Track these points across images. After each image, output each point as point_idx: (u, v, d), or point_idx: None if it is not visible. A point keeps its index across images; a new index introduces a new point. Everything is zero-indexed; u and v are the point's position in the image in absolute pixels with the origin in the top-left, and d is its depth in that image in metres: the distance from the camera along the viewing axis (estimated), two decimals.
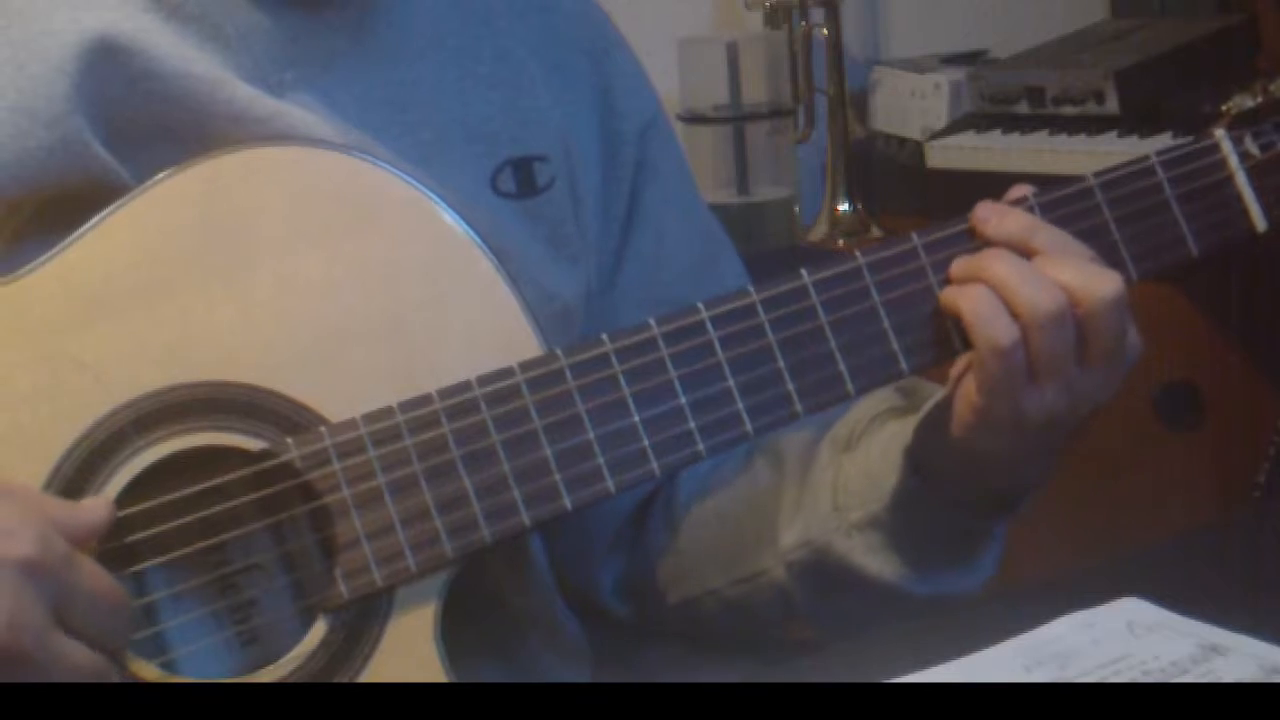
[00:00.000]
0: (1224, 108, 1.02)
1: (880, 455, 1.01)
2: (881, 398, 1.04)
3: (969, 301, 0.93)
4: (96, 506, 0.86)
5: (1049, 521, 2.10)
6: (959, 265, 0.95)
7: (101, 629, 0.83)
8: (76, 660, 0.81)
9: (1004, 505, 1.01)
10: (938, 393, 1.00)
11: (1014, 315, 0.91)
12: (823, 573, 1.04)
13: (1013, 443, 0.95)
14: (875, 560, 1.01)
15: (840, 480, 1.03)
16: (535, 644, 1.05)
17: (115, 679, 0.84)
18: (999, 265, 0.93)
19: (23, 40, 0.93)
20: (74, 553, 0.82)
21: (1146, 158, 0.98)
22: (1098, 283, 0.92)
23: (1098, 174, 0.97)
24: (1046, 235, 0.94)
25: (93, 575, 0.83)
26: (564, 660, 1.07)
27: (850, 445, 1.04)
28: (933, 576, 1.02)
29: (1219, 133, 1.00)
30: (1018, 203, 0.96)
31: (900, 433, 1.01)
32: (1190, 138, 1.01)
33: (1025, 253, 0.93)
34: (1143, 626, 0.79)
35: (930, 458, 0.99)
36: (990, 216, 0.95)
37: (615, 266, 1.11)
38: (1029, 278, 0.92)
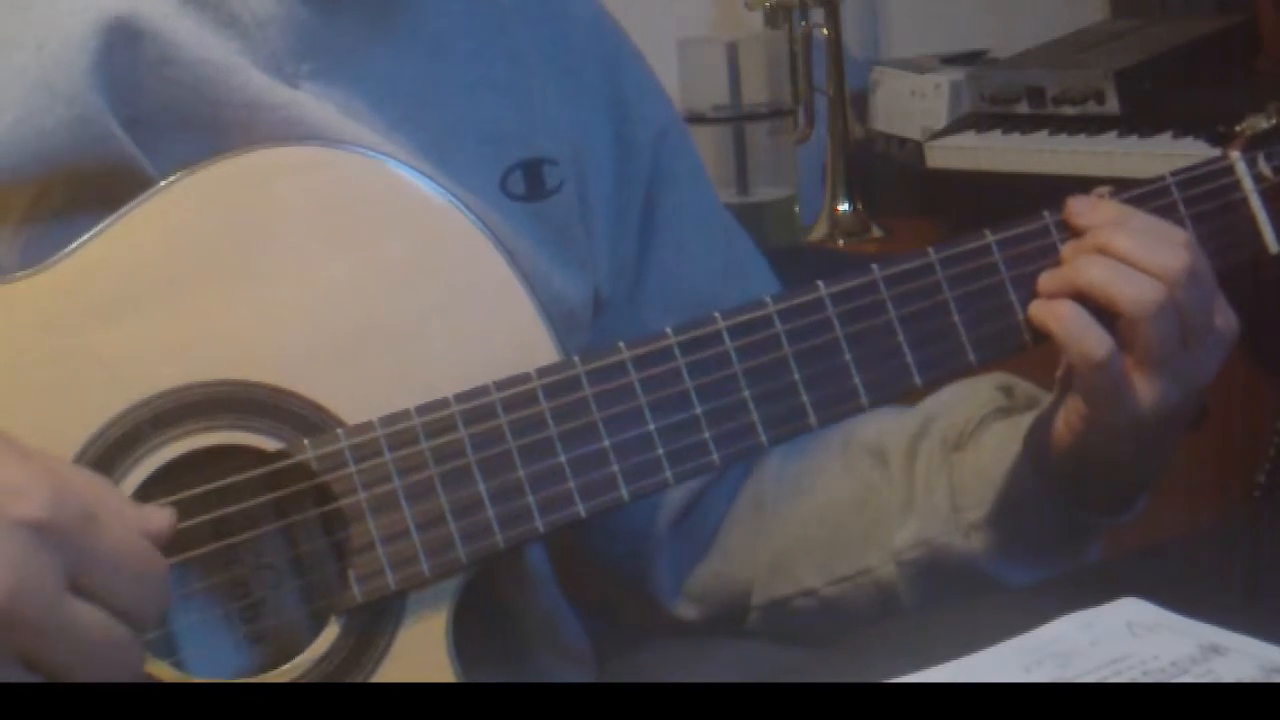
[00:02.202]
0: (1238, 129, 1.02)
1: (992, 455, 1.04)
2: (986, 397, 1.07)
3: (1058, 321, 0.95)
4: (163, 514, 0.82)
5: None
6: (1047, 279, 0.97)
7: (128, 597, 0.78)
8: (94, 630, 0.77)
9: (1121, 501, 1.03)
10: (1039, 394, 1.03)
11: (1118, 314, 0.94)
12: (938, 571, 1.06)
13: (1131, 441, 0.97)
14: (994, 558, 1.04)
15: (956, 480, 1.05)
16: (538, 646, 1.05)
17: (139, 654, 0.80)
18: (1093, 269, 0.95)
19: (43, 19, 0.93)
20: (95, 514, 0.78)
21: (1162, 178, 0.99)
22: (1174, 259, 0.94)
23: (1114, 192, 0.98)
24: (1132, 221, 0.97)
25: (117, 538, 0.78)
26: (566, 662, 1.07)
27: (960, 445, 1.06)
28: (1042, 569, 1.04)
29: (1234, 154, 1.00)
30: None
31: (1010, 432, 1.04)
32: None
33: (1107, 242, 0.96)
34: (1143, 626, 0.79)
35: (1045, 460, 1.01)
36: (1083, 209, 0.97)
37: (637, 276, 1.11)
38: (1125, 274, 0.94)
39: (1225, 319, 0.98)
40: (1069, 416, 0.98)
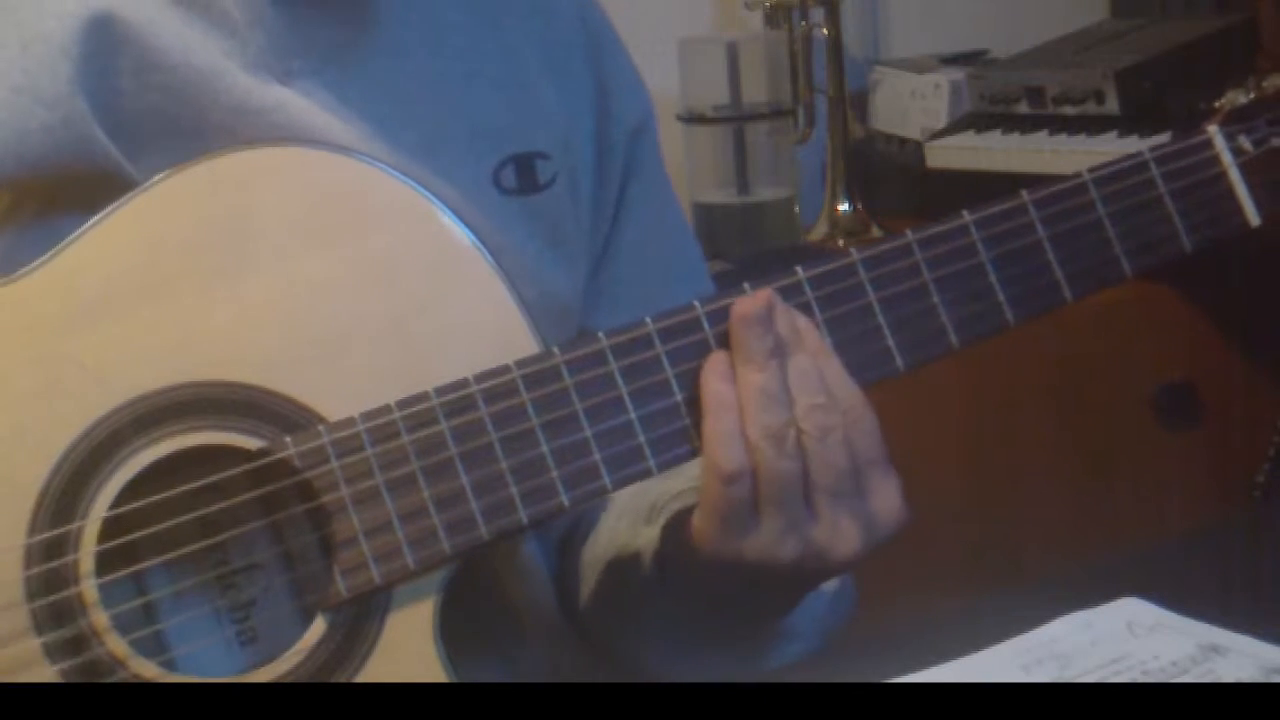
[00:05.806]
0: (1217, 104, 1.02)
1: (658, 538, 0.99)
2: (690, 474, 0.96)
3: (713, 409, 0.88)
4: None
5: (1049, 521, 2.10)
6: (738, 357, 0.89)
7: None
8: None
9: (753, 619, 0.98)
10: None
11: (745, 437, 0.87)
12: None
13: (734, 574, 0.91)
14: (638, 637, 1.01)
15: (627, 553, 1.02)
16: (533, 640, 1.05)
17: None
18: (755, 377, 0.88)
19: (28, 21, 0.93)
20: None
21: (1140, 154, 0.99)
22: (822, 413, 0.87)
23: (1092, 170, 0.98)
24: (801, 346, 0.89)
25: None
26: (563, 657, 1.07)
27: (651, 519, 1.02)
28: (687, 662, 1.00)
29: (1212, 129, 1.00)
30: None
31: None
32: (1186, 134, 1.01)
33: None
34: (1143, 626, 0.79)
35: (676, 561, 0.96)
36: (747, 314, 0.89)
37: (600, 262, 1.12)
38: (770, 400, 0.87)
39: (885, 504, 0.89)
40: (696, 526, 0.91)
